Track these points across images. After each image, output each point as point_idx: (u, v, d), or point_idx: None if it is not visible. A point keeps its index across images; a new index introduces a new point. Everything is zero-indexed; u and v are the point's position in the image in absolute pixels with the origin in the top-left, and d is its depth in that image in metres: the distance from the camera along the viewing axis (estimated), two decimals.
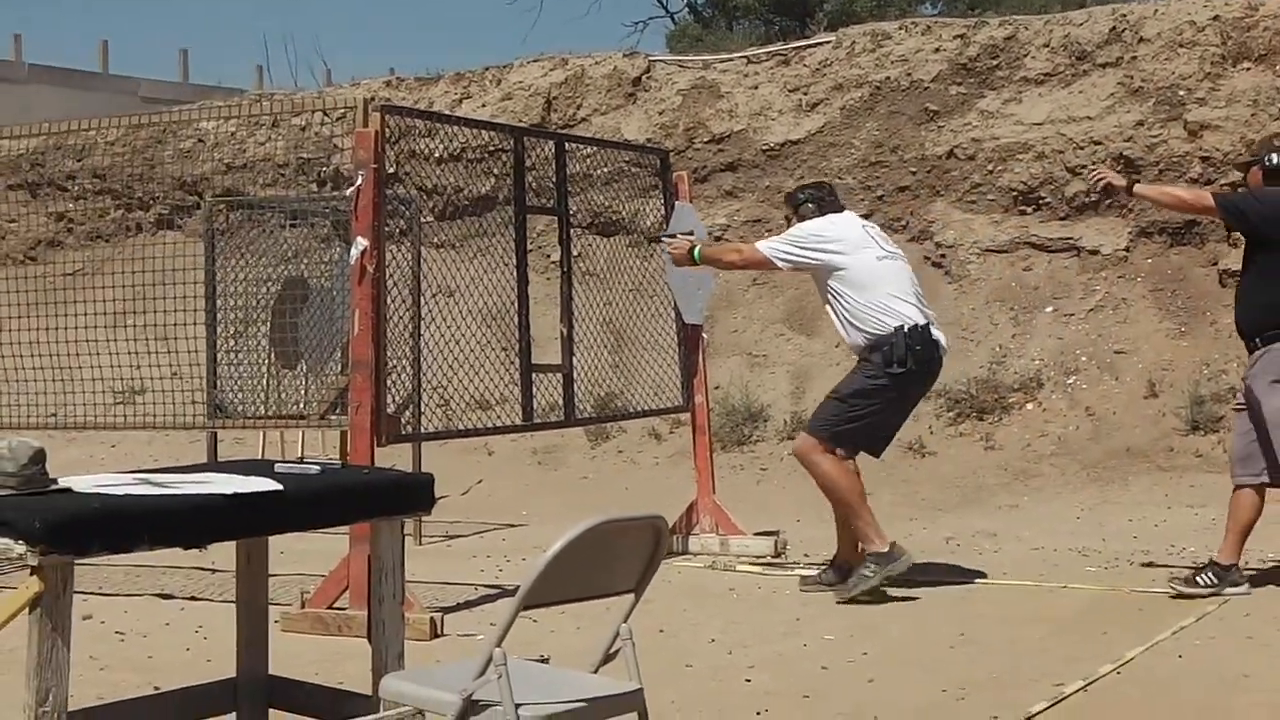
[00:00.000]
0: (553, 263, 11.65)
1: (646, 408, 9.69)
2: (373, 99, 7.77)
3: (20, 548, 4.05)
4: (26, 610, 4.09)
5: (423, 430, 8.56)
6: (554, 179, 8.86)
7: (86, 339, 9.62)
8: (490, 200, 13.51)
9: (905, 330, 7.46)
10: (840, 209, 8.00)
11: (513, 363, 9.22)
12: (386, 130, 7.36)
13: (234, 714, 5.10)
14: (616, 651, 4.16)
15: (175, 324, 9.27)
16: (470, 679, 3.85)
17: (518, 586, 7.25)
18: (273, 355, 10.32)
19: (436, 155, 13.33)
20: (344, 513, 5.04)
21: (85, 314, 9.76)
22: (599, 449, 12.25)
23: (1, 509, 4.13)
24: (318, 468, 4.96)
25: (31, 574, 4.09)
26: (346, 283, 10.00)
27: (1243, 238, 7.78)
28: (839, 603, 7.48)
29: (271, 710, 5.13)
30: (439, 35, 62.32)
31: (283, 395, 10.38)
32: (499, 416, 9.38)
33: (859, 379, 7.68)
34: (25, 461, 4.39)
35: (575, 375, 8.68)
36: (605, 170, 11.48)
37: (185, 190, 16.18)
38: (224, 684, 5.20)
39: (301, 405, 10.02)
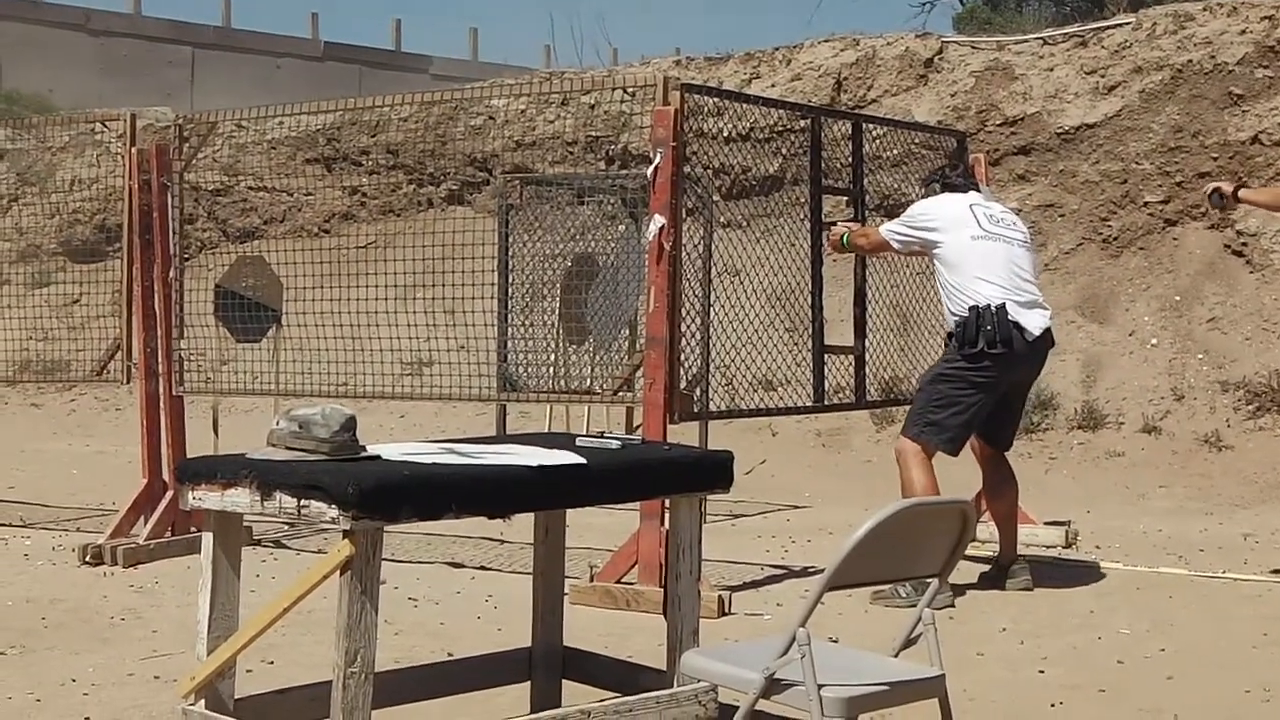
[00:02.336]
0: None
1: None
2: (669, 78, 7.76)
3: (333, 511, 4.14)
4: (337, 573, 4.18)
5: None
6: (845, 160, 8.77)
7: (377, 310, 9.81)
8: (778, 180, 13.43)
9: (980, 310, 7.15)
10: (965, 189, 7.68)
11: (798, 343, 9.17)
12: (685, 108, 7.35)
13: (529, 683, 5.16)
14: (918, 636, 4.08)
15: (463, 298, 9.40)
16: (772, 657, 3.82)
17: (805, 567, 7.27)
18: (560, 331, 10.43)
19: (725, 135, 13.32)
20: (644, 488, 5.05)
21: (376, 286, 9.95)
22: (884, 433, 12.09)
23: (315, 474, 4.23)
24: (618, 443, 4.97)
25: (343, 538, 4.18)
26: (635, 260, 10.07)
27: None
28: (872, 602, 7.02)
29: (565, 681, 5.18)
30: (724, 15, 62.36)
31: (569, 370, 10.49)
32: (783, 397, 9.33)
33: (939, 364, 7.49)
34: (337, 428, 4.48)
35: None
36: (895, 152, 11.32)
37: (475, 166, 16.44)
38: (519, 653, 5.26)
39: (588, 381, 10.11)
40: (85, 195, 19.05)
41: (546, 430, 9.90)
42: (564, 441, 5.00)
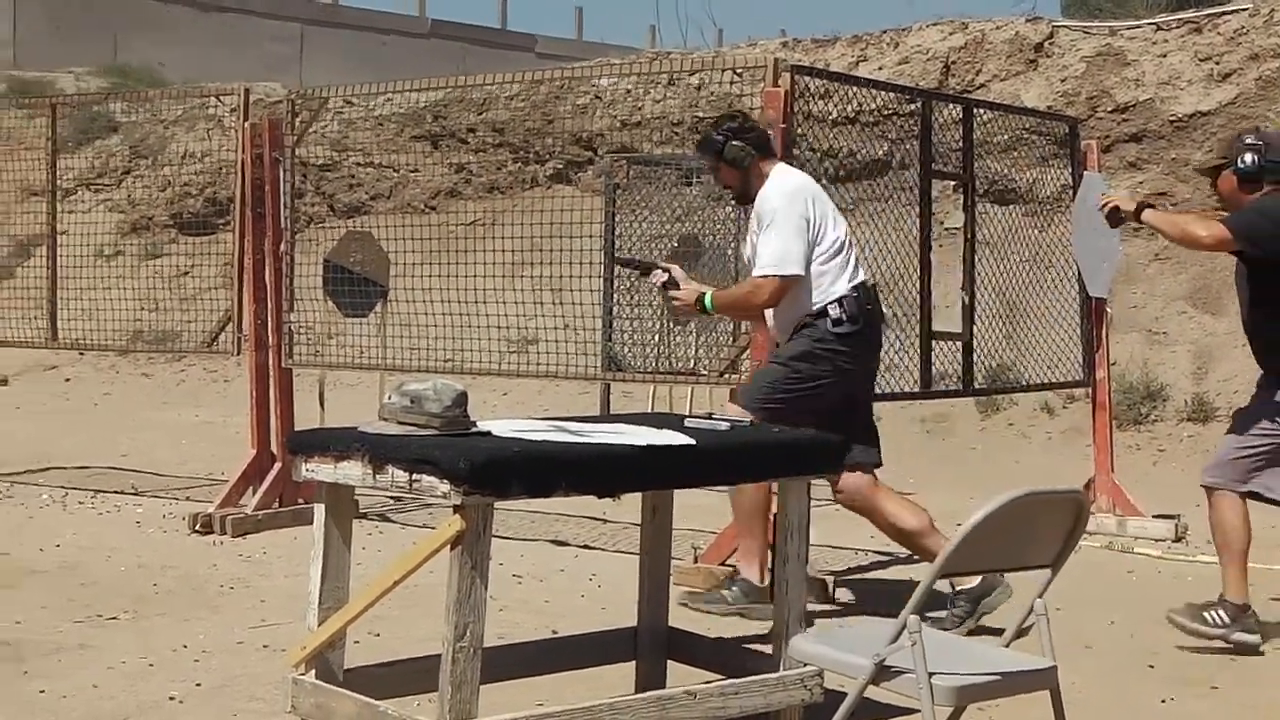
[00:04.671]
0: (946, 229, 11.47)
1: (1041, 381, 9.46)
2: (779, 60, 7.73)
3: (444, 486, 4.16)
4: (447, 548, 4.21)
5: None
6: (953, 144, 8.71)
7: (482, 288, 9.85)
8: (884, 164, 13.35)
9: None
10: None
11: (902, 328, 9.10)
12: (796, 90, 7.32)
13: (633, 663, 5.17)
14: (1029, 626, 4.05)
15: (568, 276, 9.42)
16: (883, 644, 3.80)
17: (909, 554, 7.22)
18: (665, 311, 10.43)
19: (831, 118, 13.23)
20: (753, 470, 5.04)
21: (482, 264, 9.99)
22: (989, 420, 12.03)
23: (427, 448, 4.26)
24: (727, 424, 4.97)
25: (454, 513, 4.21)
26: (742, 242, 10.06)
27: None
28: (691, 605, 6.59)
29: (669, 661, 5.18)
30: None
31: (673, 351, 10.50)
32: (885, 382, 9.27)
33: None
34: (449, 403, 4.51)
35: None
36: (1004, 137, 11.24)
37: (580, 146, 16.46)
38: (624, 633, 5.27)
39: (692, 362, 10.12)
40: (196, 169, 19.28)
41: (649, 410, 9.92)
42: (673, 422, 5.01)
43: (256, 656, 5.82)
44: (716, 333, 10.13)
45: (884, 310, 6.67)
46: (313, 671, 4.52)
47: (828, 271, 6.30)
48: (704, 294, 6.45)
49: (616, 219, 10.58)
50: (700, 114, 15.22)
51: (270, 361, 8.78)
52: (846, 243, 6.37)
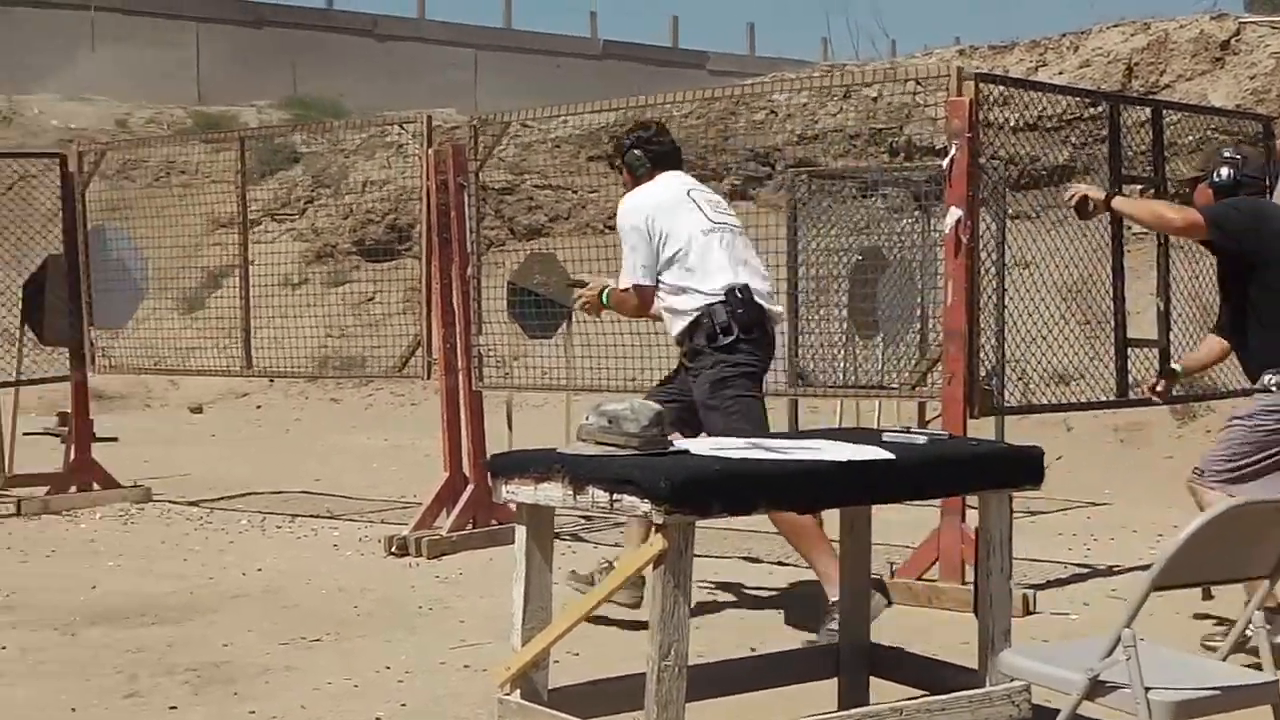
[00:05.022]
0: (1135, 234, 11.26)
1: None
2: (961, 68, 7.67)
3: (645, 506, 4.17)
4: (650, 567, 4.22)
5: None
6: (1138, 147, 8.57)
7: None
8: (1068, 170, 13.16)
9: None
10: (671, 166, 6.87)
11: (1093, 336, 8.97)
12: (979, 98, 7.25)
13: (835, 679, 5.14)
14: (1248, 639, 3.96)
15: None
16: (1097, 658, 3.73)
17: (1110, 566, 7.11)
18: (850, 325, 10.38)
19: (1012, 124, 13.08)
20: (952, 484, 5.00)
21: None
22: (1185, 429, 11.76)
23: (627, 468, 4.27)
24: (924, 438, 4.93)
25: (656, 532, 4.22)
26: (926, 254, 9.97)
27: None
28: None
29: (872, 678, 5.14)
30: (1005, 4, 61.32)
31: (859, 365, 10.44)
32: (1078, 391, 9.14)
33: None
34: (647, 423, 4.52)
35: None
36: (1191, 138, 11.02)
37: (758, 161, 16.46)
38: (825, 649, 5.25)
39: (879, 376, 10.04)
40: (377, 196, 19.60)
41: (837, 425, 9.87)
42: (870, 437, 4.98)
43: (458, 677, 5.88)
44: (904, 345, 10.05)
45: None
46: (518, 692, 4.55)
47: (689, 281, 6.44)
48: (605, 289, 6.81)
49: (798, 233, 10.54)
50: (877, 125, 15.15)
51: (460, 384, 8.87)
52: (706, 249, 6.45)
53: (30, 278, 11.08)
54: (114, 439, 12.86)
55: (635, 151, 6.84)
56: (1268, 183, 7.01)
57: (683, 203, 6.59)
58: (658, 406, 4.61)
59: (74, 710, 5.59)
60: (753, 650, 5.92)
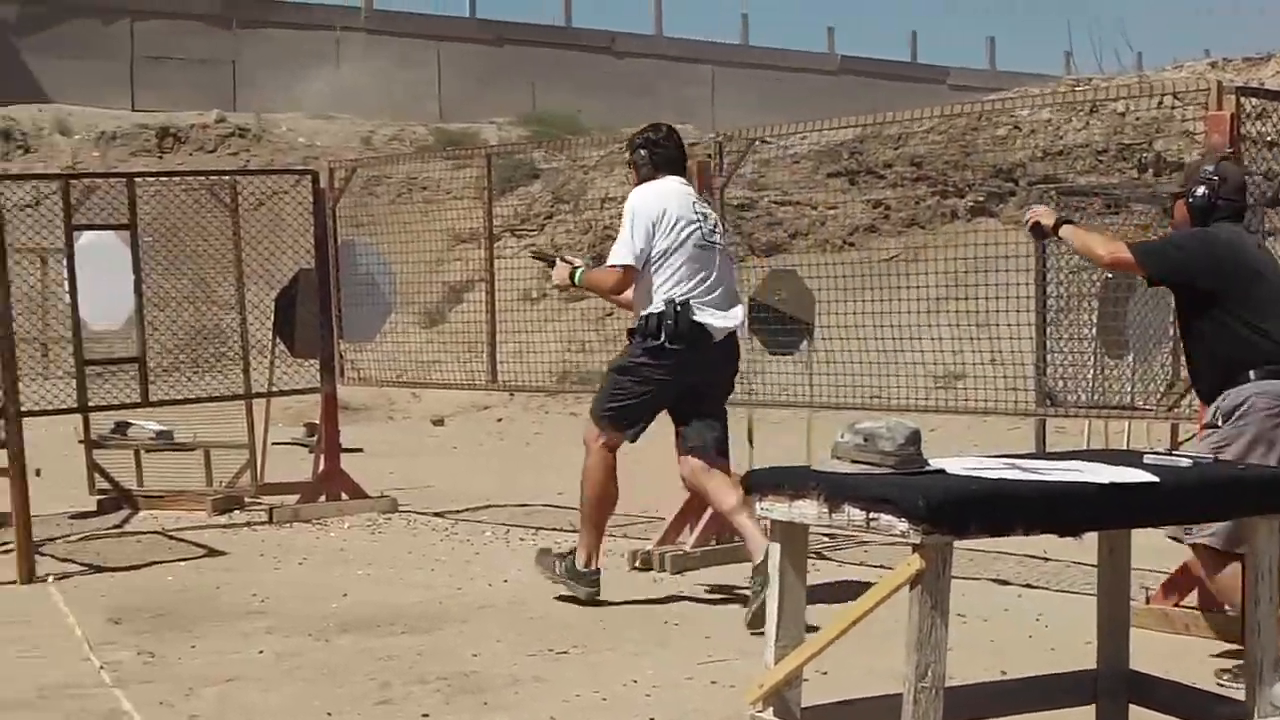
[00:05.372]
0: None
1: None
2: (1220, 82, 7.48)
3: (902, 525, 4.14)
4: (907, 587, 4.18)
5: None
6: None
7: (905, 324, 9.77)
8: None
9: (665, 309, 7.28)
10: (672, 171, 7.53)
11: None
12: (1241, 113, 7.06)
13: (1093, 706, 5.03)
14: None
15: (993, 310, 9.27)
16: None
17: None
18: (1099, 344, 10.17)
19: (1268, 138, 12.73)
20: (1217, 508, 4.87)
21: (903, 299, 9.92)
22: None
23: (884, 487, 4.24)
24: (1188, 460, 4.81)
25: (913, 551, 4.18)
26: None
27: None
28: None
29: (1131, 706, 5.03)
30: (1257, 13, 59.79)
31: (1108, 385, 10.21)
32: None
33: (622, 356, 7.73)
34: (903, 441, 4.48)
35: None
36: None
37: (1001, 177, 16.26)
38: (1082, 675, 5.14)
39: (1129, 396, 9.82)
40: (615, 212, 19.73)
41: (1084, 446, 9.68)
42: (1130, 458, 4.87)
43: (706, 692, 5.88)
44: (1155, 365, 9.82)
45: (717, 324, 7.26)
46: (770, 709, 4.54)
47: (655, 281, 7.21)
48: (576, 269, 7.55)
49: (1047, 249, 10.36)
50: (1126, 140, 14.88)
51: None
52: (681, 257, 7.19)
53: (281, 292, 11.39)
54: (359, 450, 13.16)
55: (641, 151, 7.47)
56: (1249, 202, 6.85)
57: (687, 213, 7.29)
58: (914, 425, 4.57)
59: (329, 715, 5.71)
60: (1003, 674, 5.82)
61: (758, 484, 4.61)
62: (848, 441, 4.53)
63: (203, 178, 12.80)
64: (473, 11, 31.23)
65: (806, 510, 4.43)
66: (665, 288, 7.20)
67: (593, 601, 7.54)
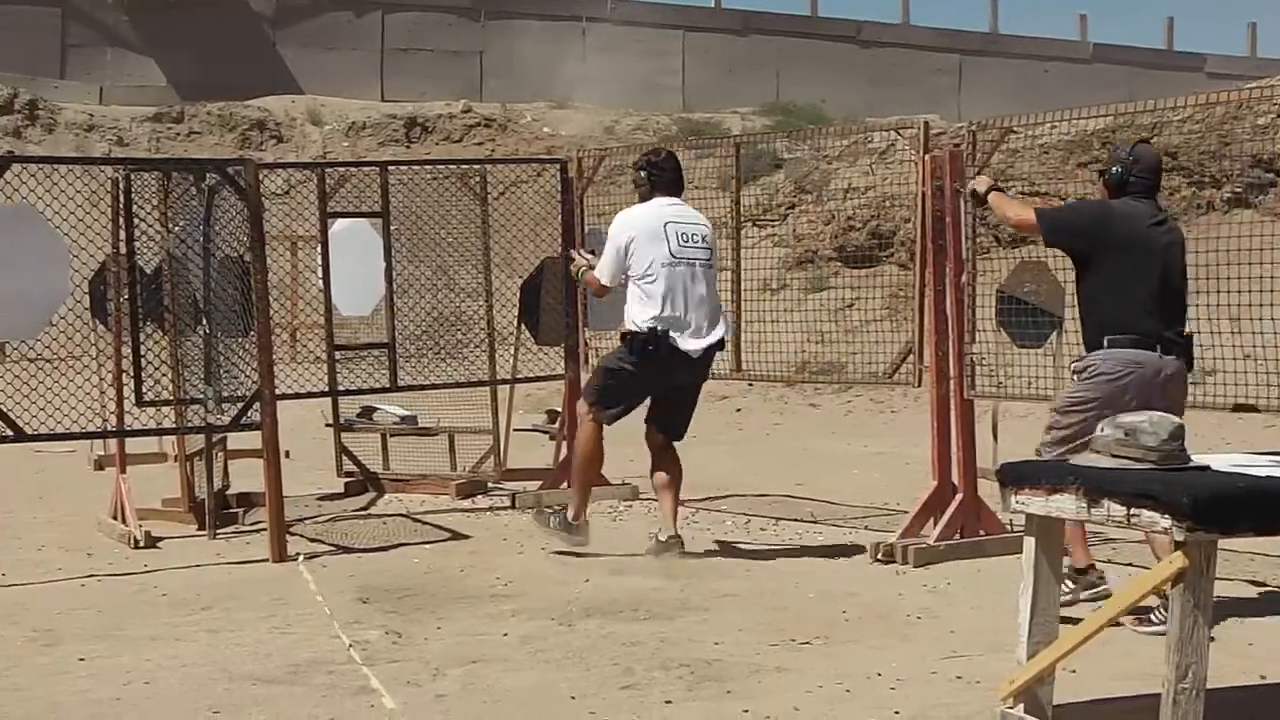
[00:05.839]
0: None
1: None
2: None
3: (1165, 521, 4.03)
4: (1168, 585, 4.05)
5: None
6: None
7: None
8: None
9: (650, 330, 8.42)
10: (666, 191, 8.61)
11: None
12: None
13: None
14: None
15: (1250, 305, 8.96)
16: None
17: None
18: None
19: None
20: None
21: None
22: None
23: (1147, 482, 4.13)
24: None
25: (1175, 549, 4.05)
26: None
27: None
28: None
29: None
30: None
31: None
32: None
33: (612, 356, 8.88)
34: (1166, 436, 4.37)
35: None
36: None
37: (1262, 168, 15.76)
38: None
39: None
40: (859, 202, 19.62)
41: None
42: None
43: (951, 687, 5.78)
44: None
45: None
46: (1021, 706, 4.45)
47: (637, 298, 8.41)
48: (580, 269, 8.93)
49: None
50: None
51: (951, 393, 8.75)
52: (654, 280, 8.33)
53: (527, 280, 11.49)
54: None
55: (642, 173, 8.62)
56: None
57: (658, 234, 8.37)
58: (1179, 420, 4.43)
59: (573, 699, 5.74)
60: (1262, 679, 5.63)
61: (1014, 477, 4.51)
62: (1108, 436, 4.42)
63: (452, 167, 12.98)
64: (718, 1, 31.24)
65: (1064, 505, 4.34)
66: (647, 311, 8.36)
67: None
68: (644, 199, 8.61)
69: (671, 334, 8.34)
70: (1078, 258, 7.18)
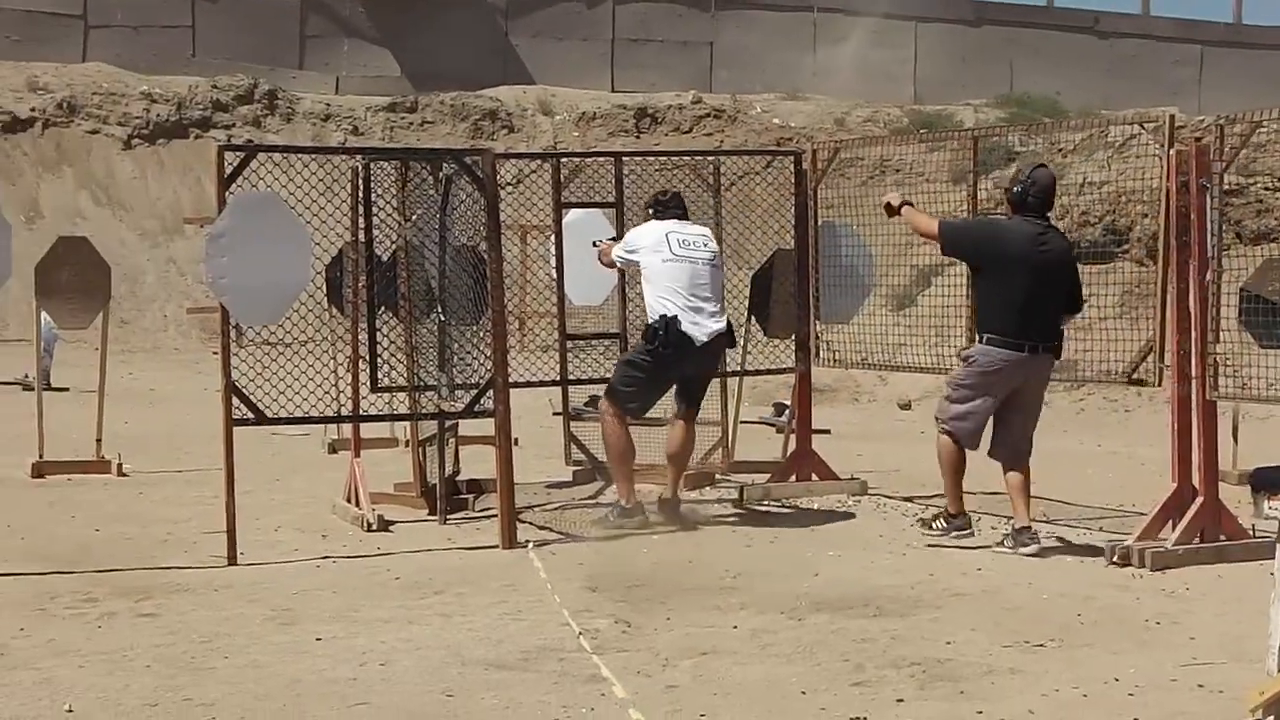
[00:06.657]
0: None
1: None
2: None
3: None
4: None
5: None
6: None
7: None
8: None
9: (664, 320, 9.29)
10: (665, 217, 9.67)
11: None
12: None
13: None
14: None
15: None
16: None
17: None
18: None
19: None
20: None
21: None
22: None
23: None
24: None
25: None
26: None
27: None
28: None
29: None
30: None
31: None
32: None
33: (632, 352, 9.88)
34: None
35: None
36: None
37: None
38: None
39: None
40: (1094, 197, 19.23)
41: None
42: None
43: (1192, 696, 5.64)
44: None
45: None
46: (1272, 718, 4.32)
47: (649, 295, 9.49)
48: (597, 241, 10.12)
49: None
50: None
51: (1194, 393, 8.52)
52: (662, 274, 9.39)
53: (758, 271, 11.46)
54: (826, 431, 13.16)
55: (650, 210, 9.84)
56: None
57: (660, 240, 9.50)
58: None
59: (804, 693, 5.73)
60: None
61: (1267, 482, 4.37)
62: None
63: (685, 158, 13.00)
64: None
65: None
66: (656, 304, 9.37)
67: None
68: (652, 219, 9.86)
69: (679, 320, 9.28)
70: (971, 266, 8.96)
